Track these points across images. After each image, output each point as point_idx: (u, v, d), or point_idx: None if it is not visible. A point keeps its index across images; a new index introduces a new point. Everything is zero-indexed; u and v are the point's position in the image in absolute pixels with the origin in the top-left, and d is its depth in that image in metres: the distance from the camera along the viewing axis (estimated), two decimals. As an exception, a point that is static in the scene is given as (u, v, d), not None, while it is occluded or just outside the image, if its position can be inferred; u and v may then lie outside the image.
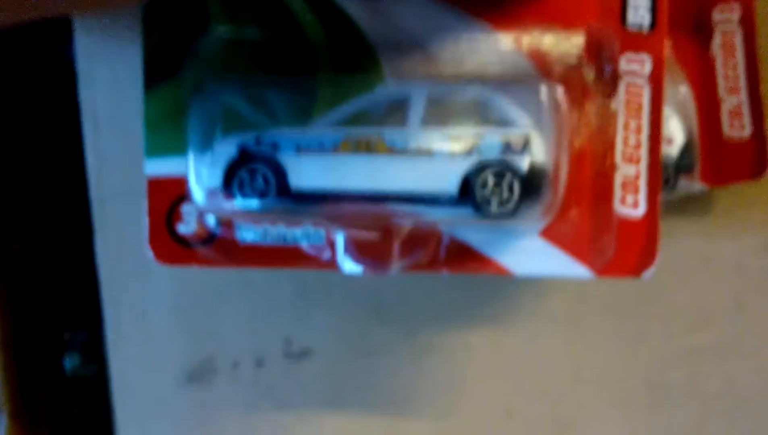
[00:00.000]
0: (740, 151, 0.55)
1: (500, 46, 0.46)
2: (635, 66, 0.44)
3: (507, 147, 0.44)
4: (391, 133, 0.45)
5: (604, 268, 0.46)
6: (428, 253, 0.47)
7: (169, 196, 0.48)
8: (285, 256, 0.48)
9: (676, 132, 0.54)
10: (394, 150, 0.45)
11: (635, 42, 0.44)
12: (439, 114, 0.45)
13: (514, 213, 0.44)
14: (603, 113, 0.45)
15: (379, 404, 0.62)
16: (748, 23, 0.55)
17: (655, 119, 0.44)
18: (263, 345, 0.61)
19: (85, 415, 0.72)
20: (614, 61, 0.45)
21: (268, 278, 0.60)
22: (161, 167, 0.48)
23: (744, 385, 0.60)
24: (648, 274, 0.45)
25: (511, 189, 0.44)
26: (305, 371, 0.61)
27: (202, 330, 0.61)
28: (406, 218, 0.46)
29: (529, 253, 0.46)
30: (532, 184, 0.44)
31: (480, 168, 0.44)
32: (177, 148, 0.48)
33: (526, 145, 0.44)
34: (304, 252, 0.48)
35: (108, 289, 0.61)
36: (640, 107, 0.44)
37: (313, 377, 0.62)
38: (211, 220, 0.49)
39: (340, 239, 0.47)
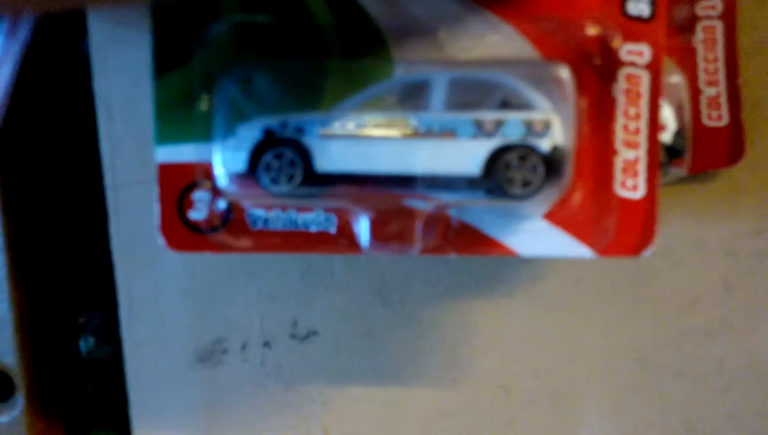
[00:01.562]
0: (718, 139, 0.57)
1: (506, 35, 0.47)
2: (635, 55, 0.46)
3: (529, 129, 0.45)
4: (414, 117, 0.46)
5: (605, 248, 0.47)
6: (437, 235, 0.48)
7: (179, 184, 0.49)
8: (297, 240, 0.49)
9: (668, 119, 0.55)
10: (418, 133, 0.46)
11: (635, 31, 0.46)
12: (460, 98, 0.46)
13: (536, 194, 0.46)
14: (604, 100, 0.46)
15: (382, 382, 0.63)
16: (729, 18, 0.56)
17: (654, 107, 0.46)
18: (271, 327, 0.62)
19: (100, 396, 0.72)
20: (614, 50, 0.46)
21: (274, 263, 0.61)
22: (172, 154, 0.48)
23: (732, 366, 0.61)
24: (647, 253, 0.47)
25: (534, 170, 0.45)
26: (311, 352, 0.63)
27: (213, 312, 0.62)
28: (429, 200, 0.47)
29: (534, 235, 0.47)
30: (554, 165, 0.45)
31: (503, 150, 0.45)
32: (188, 134, 0.48)
33: (547, 128, 0.45)
34: (316, 236, 0.49)
35: (122, 272, 0.61)
36: (639, 95, 0.46)
37: (318, 357, 0.63)
38: (222, 206, 0.49)
39: (364, 222, 0.48)
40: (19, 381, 0.63)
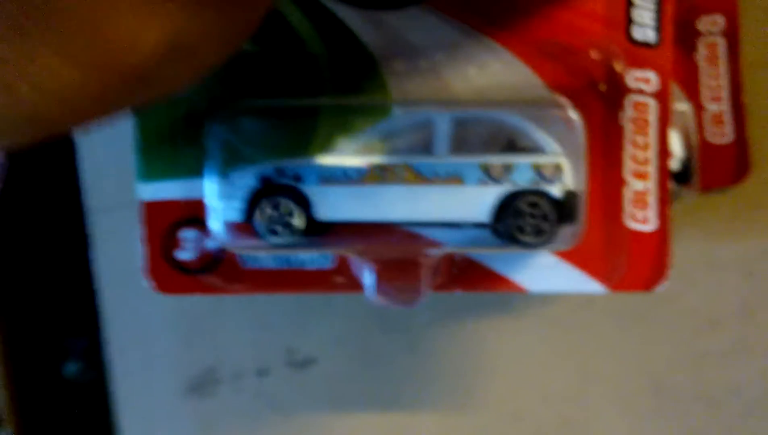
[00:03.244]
0: (722, 157, 0.56)
1: (509, 63, 0.45)
2: (641, 82, 0.44)
3: (539, 174, 0.43)
4: (419, 162, 0.44)
5: (617, 283, 0.45)
6: (441, 272, 0.46)
7: (164, 223, 0.47)
8: (292, 280, 0.47)
9: (675, 146, 0.54)
10: (423, 179, 0.44)
11: (641, 57, 0.44)
12: (466, 140, 0.44)
13: (549, 241, 0.44)
14: (611, 128, 0.45)
15: (384, 412, 0.61)
16: (731, 34, 0.56)
17: (662, 135, 0.44)
18: (266, 355, 0.61)
19: (85, 422, 0.71)
20: (620, 76, 0.44)
21: (269, 288, 0.60)
22: (156, 192, 0.46)
23: (751, 391, 0.60)
24: (660, 288, 0.45)
25: (545, 217, 0.43)
26: (308, 381, 0.61)
27: (204, 340, 0.61)
28: (435, 248, 0.45)
29: (542, 270, 0.46)
30: (566, 211, 0.44)
31: (513, 196, 0.44)
32: (172, 171, 0.46)
33: (558, 172, 0.43)
34: (312, 275, 0.47)
35: (107, 299, 0.60)
36: (647, 123, 0.44)
37: (316, 386, 0.61)
38: (212, 245, 0.47)
39: (368, 273, 0.46)
40: (5, 415, 0.62)
